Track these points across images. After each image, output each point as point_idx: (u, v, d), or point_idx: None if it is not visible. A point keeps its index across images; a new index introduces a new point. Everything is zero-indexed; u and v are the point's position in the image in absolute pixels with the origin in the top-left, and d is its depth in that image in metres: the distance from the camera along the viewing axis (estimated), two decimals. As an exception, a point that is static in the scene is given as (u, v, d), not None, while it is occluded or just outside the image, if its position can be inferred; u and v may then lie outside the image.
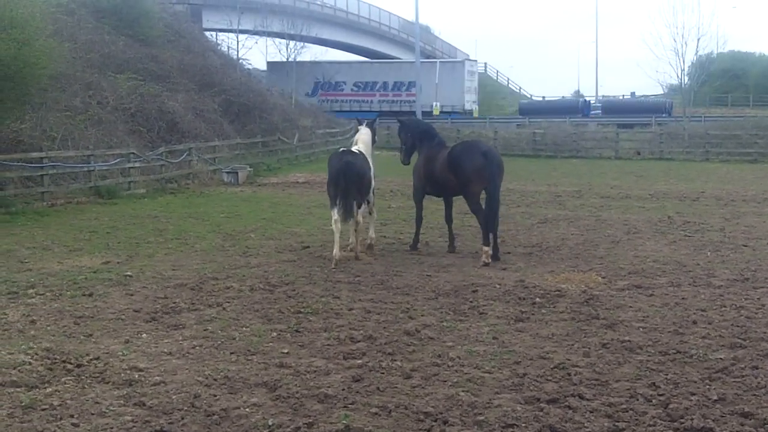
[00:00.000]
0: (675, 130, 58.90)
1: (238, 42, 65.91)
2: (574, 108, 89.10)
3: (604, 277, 14.92)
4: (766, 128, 53.37)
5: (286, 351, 10.35)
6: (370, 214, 18.39)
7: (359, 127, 19.10)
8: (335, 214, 16.62)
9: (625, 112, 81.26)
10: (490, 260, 16.51)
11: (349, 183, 16.72)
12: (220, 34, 69.52)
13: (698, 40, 71.00)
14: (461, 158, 17.29)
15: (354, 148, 17.99)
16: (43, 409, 8.35)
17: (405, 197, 25.92)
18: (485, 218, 16.97)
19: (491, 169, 17.02)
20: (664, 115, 79.03)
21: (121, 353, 10.21)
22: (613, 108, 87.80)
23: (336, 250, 16.47)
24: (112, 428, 7.94)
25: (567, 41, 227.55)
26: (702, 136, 54.32)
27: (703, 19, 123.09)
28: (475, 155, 17.20)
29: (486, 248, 16.72)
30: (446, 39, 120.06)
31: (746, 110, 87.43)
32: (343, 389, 8.91)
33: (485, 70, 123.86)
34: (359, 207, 17.25)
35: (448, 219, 18.52)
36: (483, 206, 17.31)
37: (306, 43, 75.11)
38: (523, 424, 8.00)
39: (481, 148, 17.67)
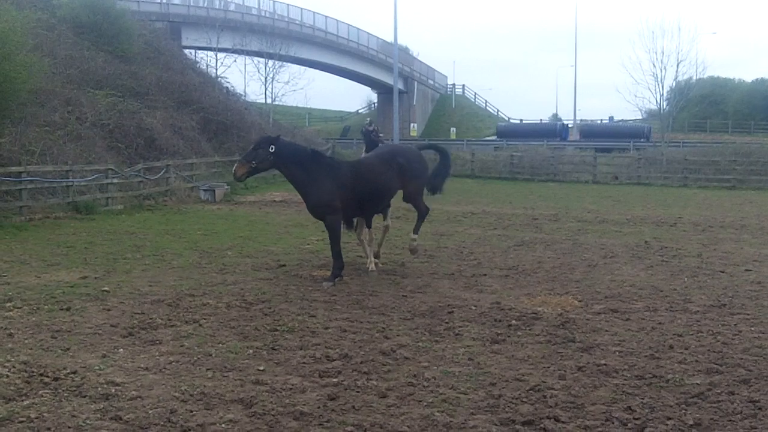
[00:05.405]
0: (653, 155, 59.10)
1: (217, 60, 65.94)
2: (552, 131, 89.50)
3: (580, 301, 14.88)
4: (745, 155, 53.70)
5: (262, 368, 10.34)
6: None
7: None
8: None
9: (604, 137, 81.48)
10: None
11: None
12: (199, 52, 69.53)
13: (677, 65, 71.11)
14: (418, 160, 18.55)
15: None
16: (21, 422, 8.33)
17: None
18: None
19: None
20: (642, 140, 79.31)
21: (98, 367, 10.19)
22: (591, 132, 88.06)
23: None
24: (88, 442, 7.95)
25: (546, 65, 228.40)
26: (680, 161, 54.55)
27: (683, 44, 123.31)
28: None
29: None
30: (425, 60, 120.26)
31: (725, 136, 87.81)
32: (319, 407, 8.91)
33: (463, 92, 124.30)
34: None
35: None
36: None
37: (284, 63, 75.02)
38: (498, 445, 8.02)
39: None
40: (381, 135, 20.65)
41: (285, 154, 16.70)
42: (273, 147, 16.50)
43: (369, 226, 18.44)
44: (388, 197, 18.20)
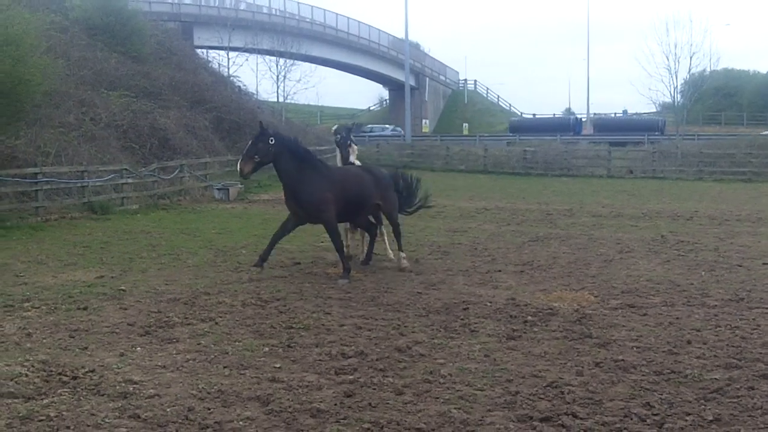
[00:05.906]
0: (668, 148, 58.48)
1: (228, 59, 66.17)
2: (566, 126, 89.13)
3: (596, 296, 14.82)
4: (760, 147, 53.15)
5: (278, 366, 10.36)
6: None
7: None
8: None
9: (618, 130, 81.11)
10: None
11: None
12: (211, 51, 69.78)
13: (691, 57, 70.90)
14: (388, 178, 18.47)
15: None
16: (40, 420, 8.38)
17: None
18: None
19: None
20: (656, 133, 78.90)
21: (115, 366, 10.24)
22: (605, 126, 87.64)
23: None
24: (107, 441, 7.98)
25: (558, 58, 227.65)
26: (695, 154, 54.00)
27: (696, 36, 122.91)
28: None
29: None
30: (436, 56, 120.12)
31: (740, 129, 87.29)
32: (335, 404, 8.92)
33: (475, 87, 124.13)
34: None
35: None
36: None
37: (295, 61, 75.19)
38: (516, 442, 8.00)
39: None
40: (340, 137, 20.34)
41: (286, 144, 16.72)
42: (272, 139, 16.52)
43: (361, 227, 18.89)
44: (367, 207, 17.82)
